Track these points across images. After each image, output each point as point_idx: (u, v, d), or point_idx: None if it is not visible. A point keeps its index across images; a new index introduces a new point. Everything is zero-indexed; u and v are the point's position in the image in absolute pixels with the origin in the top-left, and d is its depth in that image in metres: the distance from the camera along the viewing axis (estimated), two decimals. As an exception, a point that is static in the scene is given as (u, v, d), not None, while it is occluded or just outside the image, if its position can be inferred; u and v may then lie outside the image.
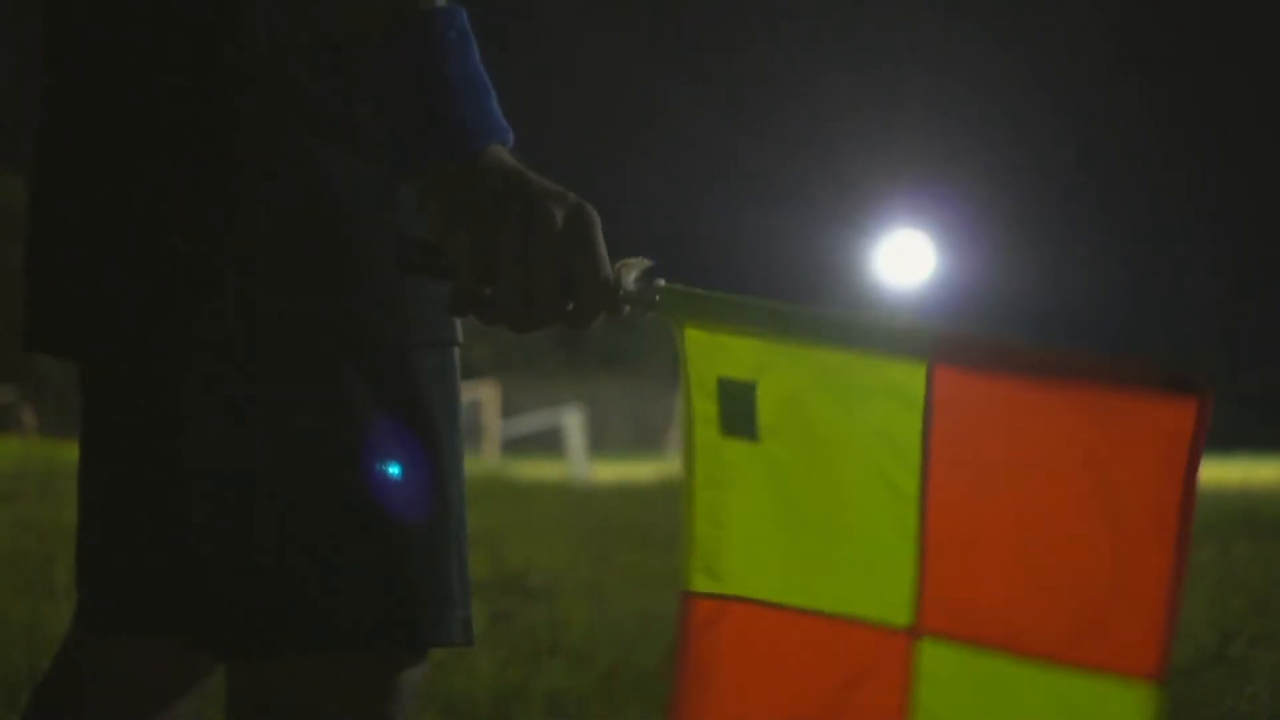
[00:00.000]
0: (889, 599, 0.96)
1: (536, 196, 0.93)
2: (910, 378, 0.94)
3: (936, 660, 0.95)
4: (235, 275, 1.01)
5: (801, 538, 0.99)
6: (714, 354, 0.99)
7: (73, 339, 1.11)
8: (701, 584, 1.00)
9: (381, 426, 1.02)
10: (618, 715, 3.26)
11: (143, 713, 1.18)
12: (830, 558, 0.98)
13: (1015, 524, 0.93)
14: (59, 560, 4.69)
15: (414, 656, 1.05)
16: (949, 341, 0.93)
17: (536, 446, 22.16)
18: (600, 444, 26.80)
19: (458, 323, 1.08)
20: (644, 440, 30.53)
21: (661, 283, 0.97)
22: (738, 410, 0.99)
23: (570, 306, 0.94)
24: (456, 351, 1.09)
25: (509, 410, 23.64)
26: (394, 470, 1.02)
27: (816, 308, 0.97)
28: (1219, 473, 13.17)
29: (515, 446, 22.18)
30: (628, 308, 0.96)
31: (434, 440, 1.05)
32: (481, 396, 20.94)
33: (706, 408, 0.99)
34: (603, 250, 0.94)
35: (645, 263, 0.97)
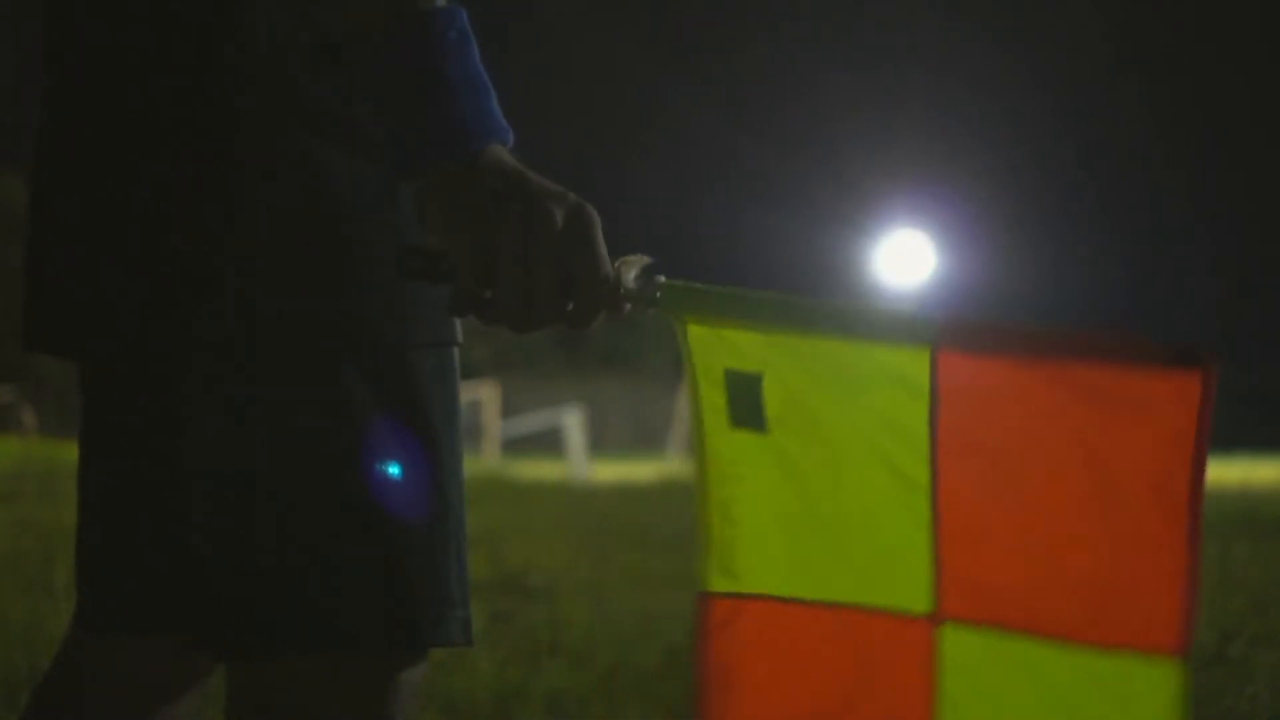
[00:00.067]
0: (907, 587, 0.96)
1: (536, 196, 0.93)
2: (914, 364, 0.94)
3: (959, 645, 0.95)
4: (235, 275, 1.01)
5: (815, 530, 0.99)
6: (718, 348, 0.99)
7: (73, 339, 1.11)
8: (718, 584, 1.00)
9: (381, 426, 1.02)
10: (618, 715, 3.26)
11: (143, 713, 1.18)
12: (845, 548, 0.98)
13: (1028, 505, 0.93)
14: (59, 560, 4.69)
15: (414, 657, 1.05)
16: (952, 326, 0.93)
17: (536, 446, 22.15)
18: (600, 444, 26.80)
19: (457, 323, 1.08)
20: (644, 440, 30.53)
21: (662, 279, 0.97)
22: (745, 402, 0.98)
23: (570, 306, 0.94)
24: (456, 351, 1.09)
25: (509, 410, 23.64)
26: (394, 470, 1.02)
27: (818, 298, 0.97)
28: (1219, 473, 13.17)
29: (515, 446, 22.17)
30: (629, 306, 0.96)
31: (434, 440, 1.05)
32: (481, 396, 20.94)
33: (715, 398, 0.99)
34: (603, 250, 0.94)
35: (645, 260, 0.97)
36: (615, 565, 6.25)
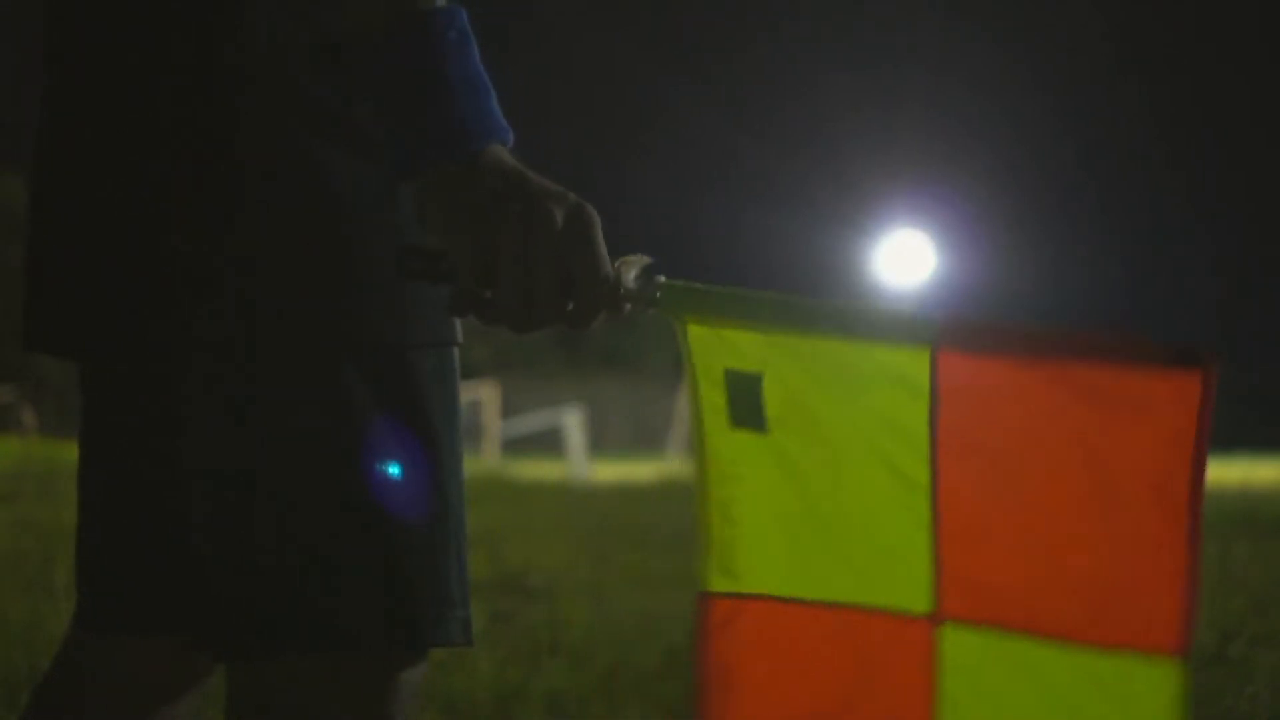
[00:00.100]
0: (907, 587, 0.96)
1: (536, 196, 0.93)
2: (914, 364, 0.94)
3: (959, 645, 0.95)
4: (235, 275, 1.01)
5: (815, 530, 0.98)
6: (718, 347, 0.98)
7: (73, 339, 1.11)
8: (718, 584, 1.00)
9: (381, 426, 1.02)
10: (618, 715, 3.26)
11: (143, 713, 1.18)
12: (845, 548, 0.98)
13: (1028, 505, 0.93)
14: (59, 560, 4.69)
15: (413, 657, 1.05)
16: (952, 326, 0.93)
17: (536, 446, 22.15)
18: (600, 444, 26.79)
19: (457, 322, 1.08)
20: (644, 440, 30.52)
21: (662, 279, 0.97)
22: (745, 402, 0.98)
23: (570, 307, 0.94)
24: (456, 351, 1.09)
25: (509, 410, 23.63)
26: (394, 470, 1.02)
27: (818, 298, 0.97)
28: (1219, 473, 13.17)
29: (515, 446, 22.17)
30: (629, 306, 0.96)
31: (434, 440, 1.05)
32: (481, 396, 20.94)
33: (715, 398, 0.99)
34: (603, 250, 0.94)
35: (644, 260, 0.97)
36: (615, 565, 6.25)
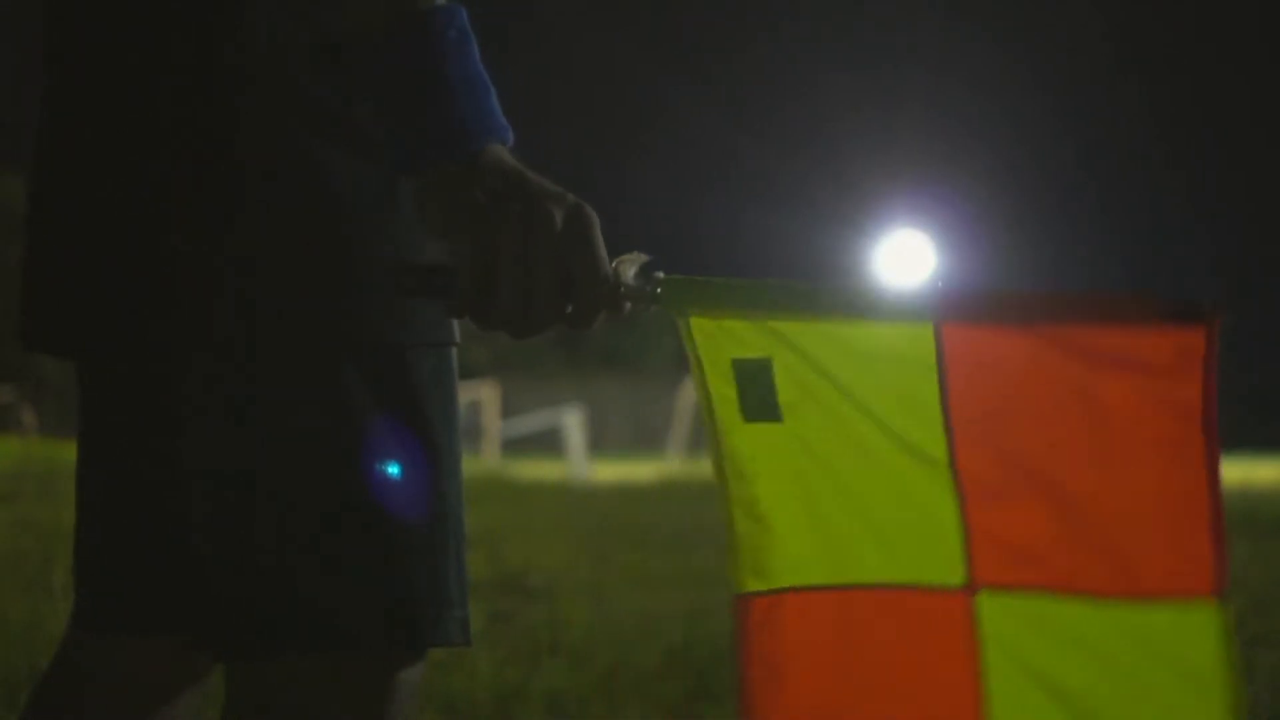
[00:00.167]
0: (939, 560, 0.96)
1: (536, 197, 0.93)
2: (919, 340, 0.94)
3: (996, 612, 0.95)
4: (235, 275, 1.01)
5: (840, 514, 0.99)
6: (723, 339, 0.98)
7: (72, 339, 1.11)
8: (752, 584, 1.00)
9: (381, 426, 1.02)
10: (617, 715, 3.26)
11: (142, 713, 1.18)
12: (872, 529, 0.98)
13: (1047, 468, 0.94)
14: (59, 560, 4.69)
15: (413, 656, 1.05)
16: (953, 299, 0.94)
17: (536, 446, 22.14)
18: (600, 444, 26.80)
19: (455, 323, 1.08)
20: (644, 440, 30.51)
21: (660, 275, 0.97)
22: (757, 391, 0.98)
23: (570, 308, 0.94)
24: (454, 351, 1.09)
25: (509, 410, 23.63)
26: (393, 470, 1.02)
27: (818, 282, 0.97)
28: (1219, 473, 13.12)
29: (515, 446, 22.16)
30: (629, 304, 0.96)
31: (432, 440, 1.05)
32: (481, 397, 20.93)
33: (725, 391, 0.99)
34: (603, 250, 0.94)
35: (642, 257, 0.97)
36: (615, 565, 6.25)
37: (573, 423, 19.50)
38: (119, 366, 1.09)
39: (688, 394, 19.94)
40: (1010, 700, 0.96)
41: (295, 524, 1.01)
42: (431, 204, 0.96)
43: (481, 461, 17.57)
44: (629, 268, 0.96)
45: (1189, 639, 0.90)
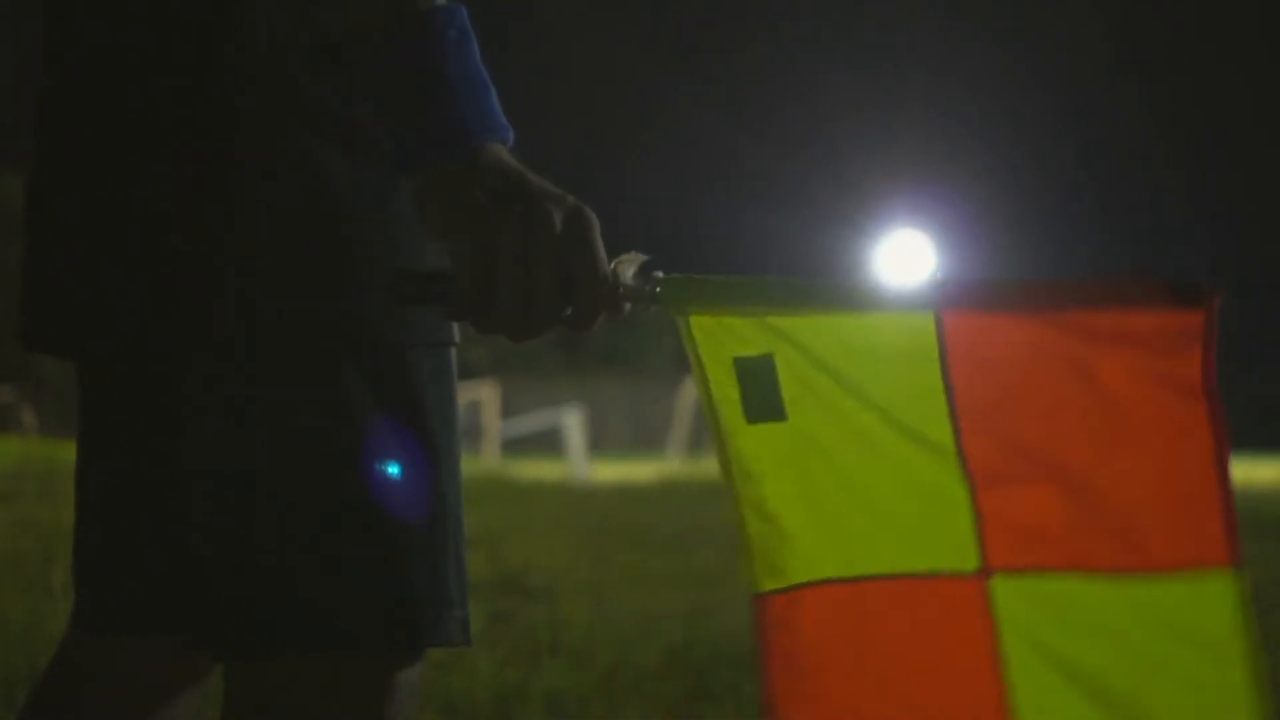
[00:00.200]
0: (951, 547, 0.97)
1: (536, 198, 0.93)
2: (920, 329, 0.95)
3: (1011, 595, 0.96)
4: (235, 275, 1.01)
5: (851, 507, 0.99)
6: (723, 336, 0.99)
7: (72, 339, 1.11)
8: (767, 583, 1.00)
9: (381, 427, 1.02)
10: (617, 715, 3.26)
11: (142, 713, 1.18)
12: (883, 520, 0.98)
13: (1053, 449, 0.95)
14: (59, 560, 4.69)
15: (412, 656, 1.05)
16: (952, 288, 0.94)
17: (536, 446, 22.14)
18: (600, 444, 26.79)
19: (455, 323, 1.08)
20: (644, 440, 30.51)
21: (659, 274, 0.97)
22: (760, 389, 0.98)
23: (569, 310, 0.94)
24: (453, 352, 1.09)
25: (509, 410, 23.63)
26: (393, 470, 1.02)
27: (817, 276, 0.97)
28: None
29: (515, 446, 22.16)
30: (628, 305, 0.96)
31: (432, 440, 1.05)
32: (481, 397, 20.93)
33: (728, 390, 0.99)
34: (602, 252, 0.94)
35: (641, 258, 0.97)
36: (615, 565, 6.25)
37: (573, 423, 19.50)
38: (119, 366, 1.09)
39: (688, 394, 19.95)
40: (1031, 681, 0.96)
41: (295, 524, 1.01)
42: (431, 204, 0.96)
43: (481, 461, 17.57)
44: (628, 268, 0.96)
45: (1206, 610, 0.91)
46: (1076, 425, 0.94)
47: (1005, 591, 0.96)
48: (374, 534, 1.02)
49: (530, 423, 22.55)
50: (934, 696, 0.99)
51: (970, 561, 0.96)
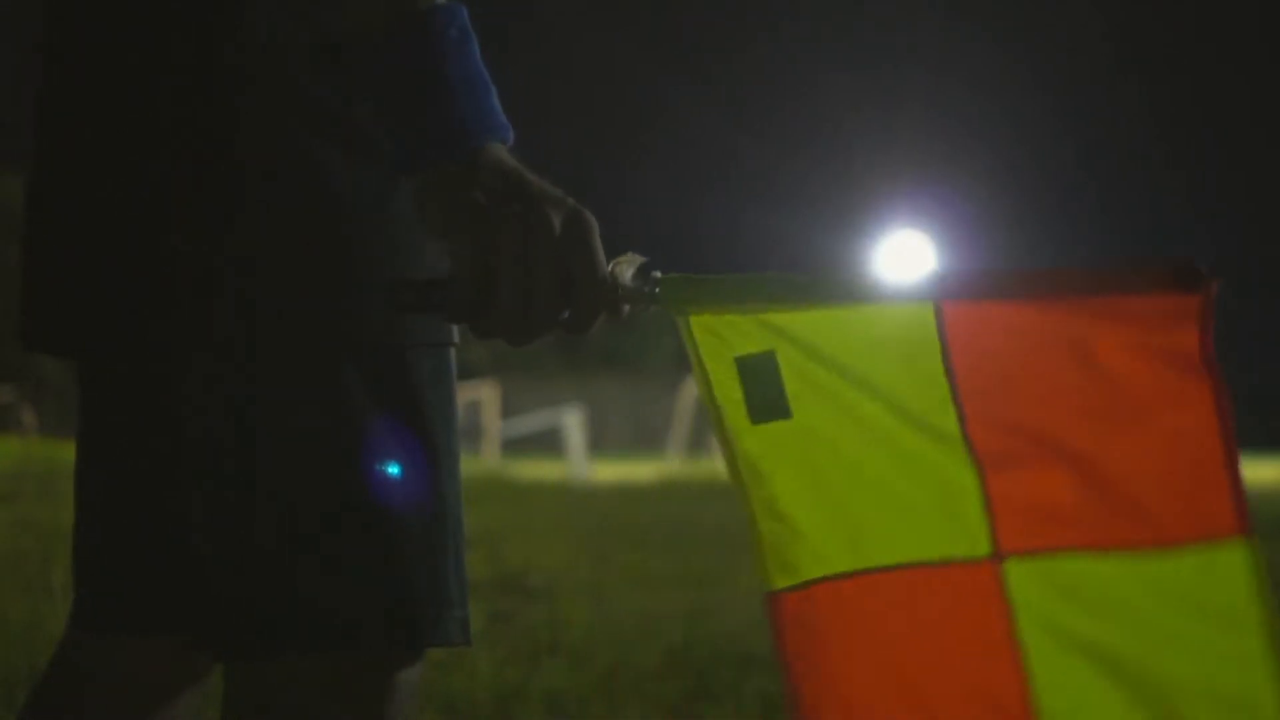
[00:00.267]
0: (962, 534, 0.97)
1: (536, 199, 0.93)
2: (920, 319, 0.95)
3: (1025, 578, 0.96)
4: (235, 275, 1.01)
5: (858, 500, 0.99)
6: (725, 335, 0.99)
7: (72, 339, 1.11)
8: (780, 581, 1.00)
9: (381, 427, 1.02)
10: (617, 715, 3.26)
11: (142, 713, 1.18)
12: (892, 511, 0.99)
13: (1058, 431, 0.95)
14: (59, 560, 4.68)
15: (412, 656, 1.05)
16: (951, 279, 0.95)
17: (536, 446, 22.14)
18: (600, 444, 26.79)
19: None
20: (644, 440, 30.51)
21: (658, 274, 0.97)
22: (763, 388, 0.98)
23: (568, 312, 0.94)
24: (453, 352, 1.09)
25: (509, 410, 23.62)
26: (393, 470, 1.02)
27: (815, 271, 0.97)
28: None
29: (515, 446, 22.16)
30: (627, 307, 0.96)
31: (432, 440, 1.05)
32: (481, 397, 20.93)
33: (730, 390, 0.99)
34: (601, 253, 0.94)
35: (639, 259, 0.97)
36: (615, 565, 6.25)
37: (573, 423, 19.50)
38: (119, 366, 1.09)
39: (688, 394, 19.94)
40: (1049, 662, 0.96)
41: (295, 524, 1.01)
42: (431, 204, 0.96)
43: (481, 461, 17.57)
44: (626, 269, 0.96)
45: (1220, 581, 0.91)
46: (1080, 406, 0.94)
47: (1019, 575, 0.96)
48: (374, 534, 1.02)
49: (530, 423, 22.55)
50: (954, 683, 0.99)
51: (982, 547, 0.97)
